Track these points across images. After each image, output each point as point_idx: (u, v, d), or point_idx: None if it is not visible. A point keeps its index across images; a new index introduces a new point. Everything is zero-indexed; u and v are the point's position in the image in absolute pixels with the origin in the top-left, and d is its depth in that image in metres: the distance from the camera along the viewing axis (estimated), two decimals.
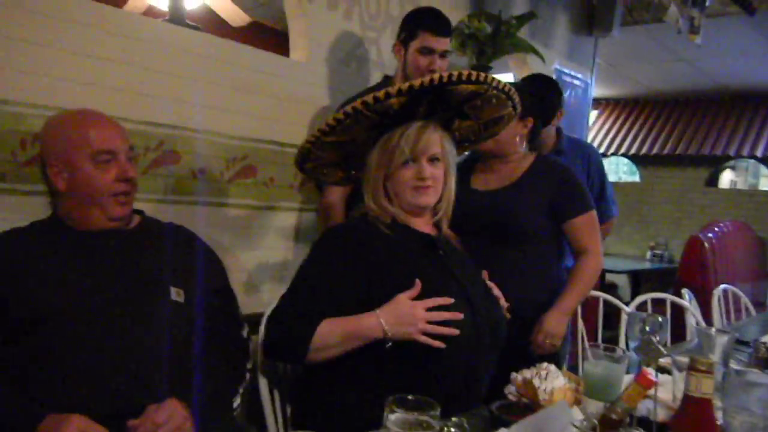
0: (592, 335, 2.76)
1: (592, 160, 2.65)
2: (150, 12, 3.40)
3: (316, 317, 1.40)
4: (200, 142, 2.06)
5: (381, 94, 1.38)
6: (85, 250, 1.42)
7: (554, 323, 1.96)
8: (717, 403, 1.16)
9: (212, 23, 4.14)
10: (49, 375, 1.29)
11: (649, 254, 7.11)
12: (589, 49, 4.23)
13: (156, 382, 1.33)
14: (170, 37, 1.97)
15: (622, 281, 6.57)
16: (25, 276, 1.33)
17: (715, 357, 1.50)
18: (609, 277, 6.16)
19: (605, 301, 2.69)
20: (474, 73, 1.44)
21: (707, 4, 3.35)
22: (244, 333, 1.60)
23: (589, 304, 3.04)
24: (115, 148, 1.44)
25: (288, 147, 2.28)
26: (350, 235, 1.52)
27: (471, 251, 1.83)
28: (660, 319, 1.11)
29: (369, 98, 1.39)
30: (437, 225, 1.62)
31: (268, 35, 4.96)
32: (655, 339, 1.10)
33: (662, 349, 1.09)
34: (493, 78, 1.48)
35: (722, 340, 1.44)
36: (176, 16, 2.03)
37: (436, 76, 1.39)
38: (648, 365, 1.11)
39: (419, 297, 1.40)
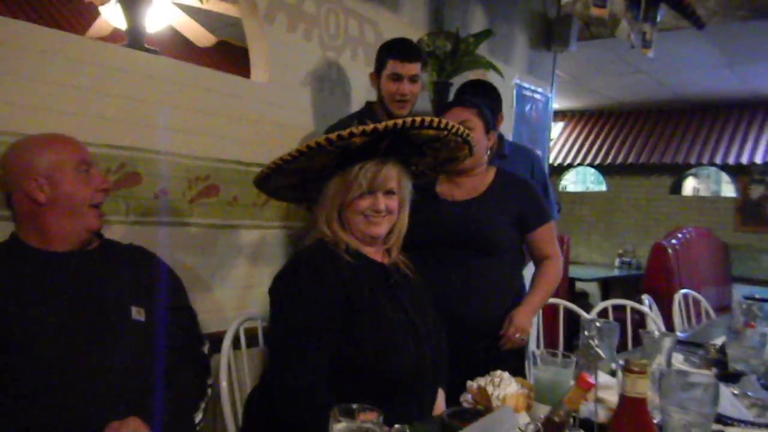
0: (556, 342, 2.83)
1: (535, 164, 2.72)
2: (116, 34, 3.41)
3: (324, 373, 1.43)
4: (162, 163, 2.09)
5: (345, 133, 1.42)
6: (46, 271, 1.43)
7: (523, 318, 2.08)
8: (655, 400, 1.22)
9: (178, 45, 4.17)
10: (9, 396, 1.30)
11: (617, 262, 7.26)
12: (549, 64, 4.34)
13: (118, 401, 1.36)
14: (129, 62, 1.99)
15: (592, 289, 6.68)
16: None
17: (663, 358, 1.57)
18: (579, 285, 6.26)
19: (572, 310, 2.77)
20: (435, 120, 1.50)
21: (658, 18, 3.47)
22: (205, 349, 1.63)
23: (552, 313, 3.12)
24: (90, 159, 1.52)
25: (251, 166, 2.31)
26: (327, 263, 1.51)
27: (440, 260, 2.02)
28: (599, 324, 1.16)
29: (333, 136, 1.43)
30: (388, 252, 1.66)
31: (236, 54, 5.00)
32: (595, 343, 1.15)
33: (601, 353, 1.14)
34: (453, 125, 1.55)
35: (667, 343, 1.51)
36: (135, 41, 2.05)
37: (399, 121, 1.46)
38: (588, 369, 1.16)
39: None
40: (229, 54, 4.93)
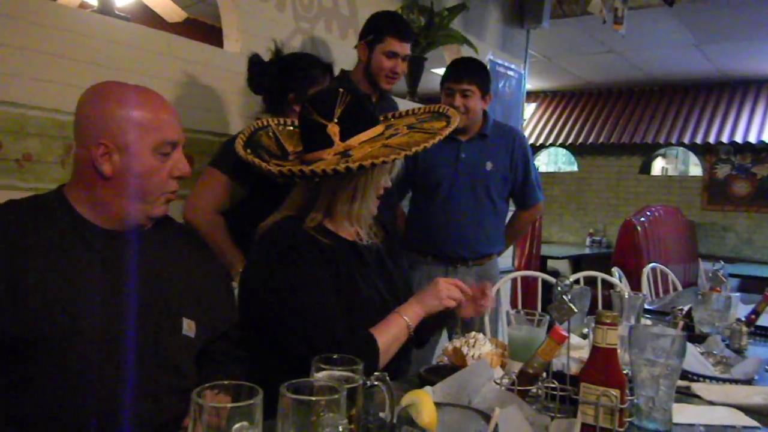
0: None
1: (516, 144, 2.73)
2: (84, 7, 3.34)
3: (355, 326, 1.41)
4: None
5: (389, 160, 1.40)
6: (92, 249, 1.19)
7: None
8: (624, 357, 1.26)
9: (147, 19, 4.09)
10: (36, 402, 1.10)
11: (588, 240, 7.38)
12: (522, 41, 4.37)
13: (157, 420, 1.19)
14: (100, 28, 1.96)
15: (564, 267, 6.79)
16: (28, 265, 1.11)
17: (631, 319, 1.61)
18: (551, 263, 6.36)
19: (547, 281, 2.82)
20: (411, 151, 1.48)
21: None
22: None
23: (529, 285, 3.18)
24: (179, 139, 1.25)
25: (225, 137, 2.29)
26: (308, 244, 1.44)
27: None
28: (569, 280, 1.19)
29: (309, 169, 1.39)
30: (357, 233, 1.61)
31: (205, 31, 4.93)
32: (567, 298, 1.18)
33: (573, 307, 1.17)
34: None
35: (636, 303, 1.55)
36: (105, 7, 2.01)
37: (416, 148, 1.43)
38: (561, 322, 1.19)
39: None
40: (196, 30, 4.86)
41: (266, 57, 2.21)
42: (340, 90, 1.48)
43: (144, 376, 1.17)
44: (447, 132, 1.51)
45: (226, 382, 0.75)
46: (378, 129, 1.50)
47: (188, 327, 1.26)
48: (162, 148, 1.20)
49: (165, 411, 1.19)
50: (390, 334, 1.40)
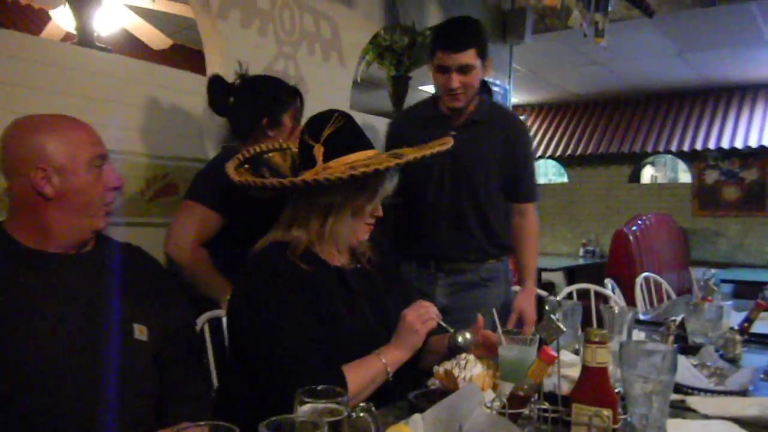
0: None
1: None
2: (67, 39, 3.34)
3: (332, 362, 1.37)
4: (118, 163, 2.03)
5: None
6: (38, 275, 1.26)
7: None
8: (617, 373, 1.24)
9: (132, 47, 4.11)
10: None
11: (581, 251, 7.38)
12: (505, 57, 4.40)
13: (111, 425, 1.24)
14: (80, 60, 1.96)
15: (558, 279, 6.78)
16: None
17: (623, 333, 1.60)
18: (545, 275, 6.35)
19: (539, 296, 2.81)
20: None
21: (610, 8, 3.54)
22: (205, 361, 1.58)
23: None
24: (106, 153, 1.34)
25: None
26: (289, 271, 1.42)
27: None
28: (556, 299, 1.18)
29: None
30: (353, 254, 1.59)
31: (192, 58, 4.95)
32: (556, 317, 1.17)
33: (561, 326, 1.16)
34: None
35: (626, 317, 1.54)
36: (85, 38, 2.01)
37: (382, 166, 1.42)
38: (550, 342, 1.17)
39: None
40: (183, 56, 4.88)
41: (230, 79, 2.17)
42: (336, 113, 1.49)
43: (103, 384, 1.23)
44: (430, 152, 1.51)
45: (203, 423, 0.73)
46: (367, 153, 1.49)
47: (140, 332, 1.33)
48: (95, 162, 1.30)
49: (128, 414, 1.26)
50: (365, 376, 1.37)
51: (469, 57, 2.08)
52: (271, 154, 1.66)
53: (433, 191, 2.26)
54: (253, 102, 2.06)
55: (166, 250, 1.97)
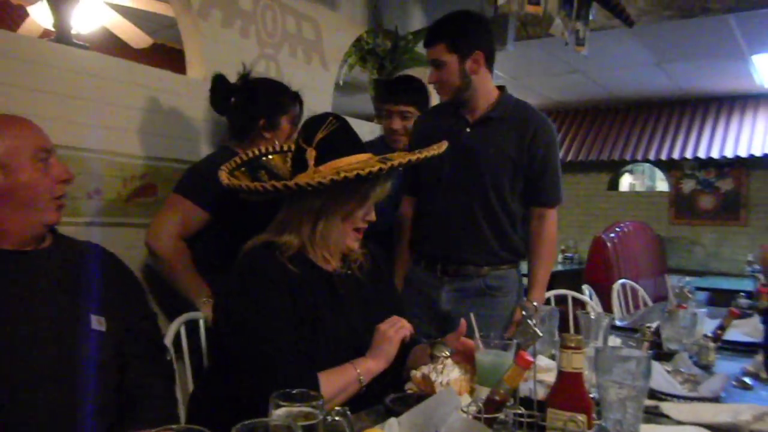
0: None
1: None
2: (45, 35, 3.30)
3: (312, 364, 1.38)
4: (95, 163, 2.03)
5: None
6: (6, 274, 1.28)
7: None
8: (592, 379, 1.25)
9: (113, 45, 4.06)
10: None
11: (560, 257, 7.42)
12: None
13: (80, 417, 1.26)
14: (58, 57, 1.93)
15: None
16: None
17: (599, 339, 1.61)
18: (525, 280, 6.38)
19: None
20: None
21: (591, 17, 3.58)
22: (168, 357, 1.57)
23: None
24: (51, 146, 1.36)
25: (189, 164, 2.26)
26: (276, 272, 1.43)
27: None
28: (534, 304, 1.18)
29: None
30: (344, 258, 1.59)
31: (173, 57, 4.91)
32: (532, 322, 1.17)
33: (538, 331, 1.16)
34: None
35: (603, 323, 1.55)
36: (63, 35, 1.98)
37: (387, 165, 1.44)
38: (526, 347, 1.18)
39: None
40: (163, 55, 4.84)
41: (233, 80, 2.19)
42: (330, 117, 1.50)
43: (65, 374, 1.26)
44: (417, 157, 1.51)
45: (174, 426, 0.73)
46: (359, 157, 1.49)
47: (98, 323, 1.35)
48: (39, 155, 1.31)
49: (93, 405, 1.28)
50: (338, 384, 1.38)
51: (438, 52, 2.11)
52: (271, 157, 1.67)
53: (444, 189, 2.21)
54: (251, 103, 2.10)
55: (146, 240, 1.97)
